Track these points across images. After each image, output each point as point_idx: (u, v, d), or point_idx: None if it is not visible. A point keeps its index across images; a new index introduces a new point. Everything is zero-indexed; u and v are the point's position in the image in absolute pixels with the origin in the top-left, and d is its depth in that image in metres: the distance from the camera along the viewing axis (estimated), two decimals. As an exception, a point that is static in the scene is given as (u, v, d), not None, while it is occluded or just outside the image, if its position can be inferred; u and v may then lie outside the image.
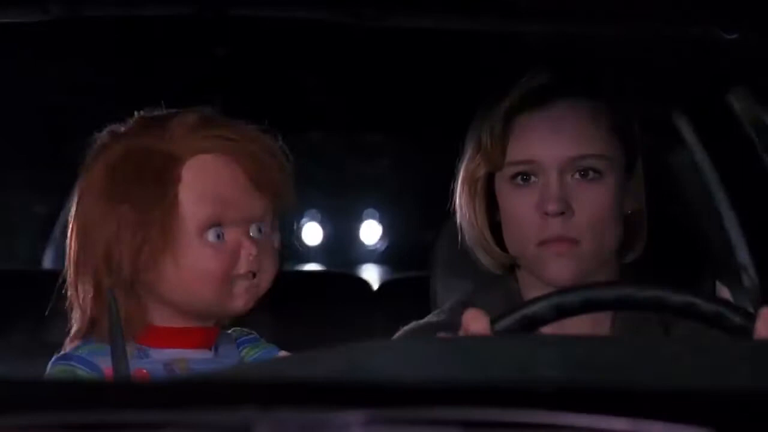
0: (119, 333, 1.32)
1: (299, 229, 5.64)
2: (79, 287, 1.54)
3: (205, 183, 1.53)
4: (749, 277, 2.60)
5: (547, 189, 1.62)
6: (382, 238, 5.94)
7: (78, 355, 1.53)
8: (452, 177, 1.75)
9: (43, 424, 0.80)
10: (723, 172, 2.64)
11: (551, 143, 1.64)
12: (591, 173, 1.64)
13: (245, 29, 2.30)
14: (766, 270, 2.56)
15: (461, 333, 1.32)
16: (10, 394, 0.82)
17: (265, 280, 1.56)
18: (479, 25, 2.16)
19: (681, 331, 1.63)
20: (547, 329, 1.43)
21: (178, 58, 2.51)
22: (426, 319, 1.77)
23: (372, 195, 5.79)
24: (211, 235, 1.52)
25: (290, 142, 1.61)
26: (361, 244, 5.98)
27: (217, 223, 1.52)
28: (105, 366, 1.50)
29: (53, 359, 1.55)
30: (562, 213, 1.61)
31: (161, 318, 1.55)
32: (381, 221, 5.96)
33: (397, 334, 1.74)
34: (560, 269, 1.62)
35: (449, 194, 1.77)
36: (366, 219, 5.97)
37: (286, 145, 1.60)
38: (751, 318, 1.28)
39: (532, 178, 1.64)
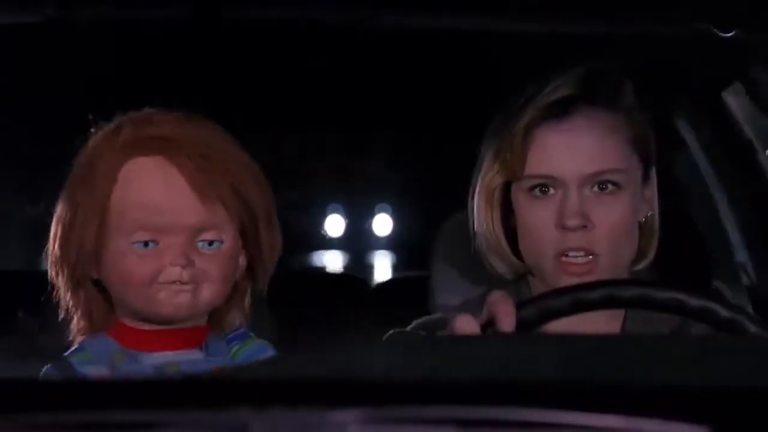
0: None
1: (324, 221, 6.22)
2: (58, 281, 1.55)
3: (134, 188, 1.50)
4: (748, 277, 2.60)
5: (566, 203, 1.61)
6: (394, 229, 6.43)
7: (71, 362, 1.53)
8: (455, 176, 1.75)
9: (43, 424, 0.80)
10: (722, 172, 2.65)
11: (570, 158, 1.63)
12: (609, 186, 1.63)
13: (247, 30, 2.30)
14: (764, 270, 2.56)
15: (483, 314, 1.32)
16: (9, 394, 0.82)
17: (210, 290, 1.51)
18: (481, 24, 2.17)
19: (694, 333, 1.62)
20: (560, 324, 1.43)
21: (177, 59, 2.51)
22: (439, 314, 1.77)
23: (384, 191, 6.29)
24: (137, 241, 1.49)
25: (305, 143, 1.60)
26: (375, 235, 6.50)
27: (144, 230, 1.49)
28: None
29: (46, 367, 1.54)
30: (583, 227, 1.61)
31: (126, 318, 1.54)
32: (392, 215, 6.44)
33: (408, 327, 1.74)
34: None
35: (451, 192, 1.77)
36: (379, 213, 6.47)
37: (300, 145, 1.58)
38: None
39: (551, 191, 1.63)
